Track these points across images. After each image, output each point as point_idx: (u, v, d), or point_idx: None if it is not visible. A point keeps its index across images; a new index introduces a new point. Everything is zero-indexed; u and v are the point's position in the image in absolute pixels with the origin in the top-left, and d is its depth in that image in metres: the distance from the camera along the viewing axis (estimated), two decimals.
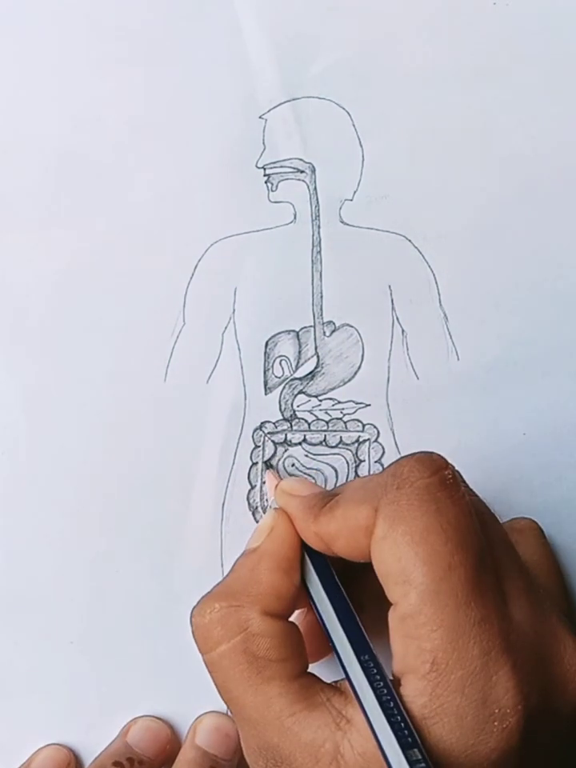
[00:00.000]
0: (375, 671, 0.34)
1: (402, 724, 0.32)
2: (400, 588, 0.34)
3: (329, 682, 0.36)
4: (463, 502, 0.35)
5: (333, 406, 0.44)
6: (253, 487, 0.44)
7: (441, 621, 0.33)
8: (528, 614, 0.35)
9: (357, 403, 0.44)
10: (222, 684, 0.36)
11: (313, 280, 0.44)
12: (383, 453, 0.44)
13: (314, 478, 0.44)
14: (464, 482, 0.36)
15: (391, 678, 0.34)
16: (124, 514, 0.44)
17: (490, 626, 0.33)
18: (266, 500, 0.44)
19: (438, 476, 0.35)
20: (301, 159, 0.43)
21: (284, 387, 0.44)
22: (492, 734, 0.33)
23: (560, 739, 0.35)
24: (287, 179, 0.43)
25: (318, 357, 0.44)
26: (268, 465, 0.44)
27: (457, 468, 0.36)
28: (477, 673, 0.33)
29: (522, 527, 0.43)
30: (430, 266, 0.44)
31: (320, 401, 0.44)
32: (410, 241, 0.44)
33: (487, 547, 0.35)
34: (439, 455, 0.36)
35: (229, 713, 0.37)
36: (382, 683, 0.34)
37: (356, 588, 0.38)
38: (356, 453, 0.44)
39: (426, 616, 0.33)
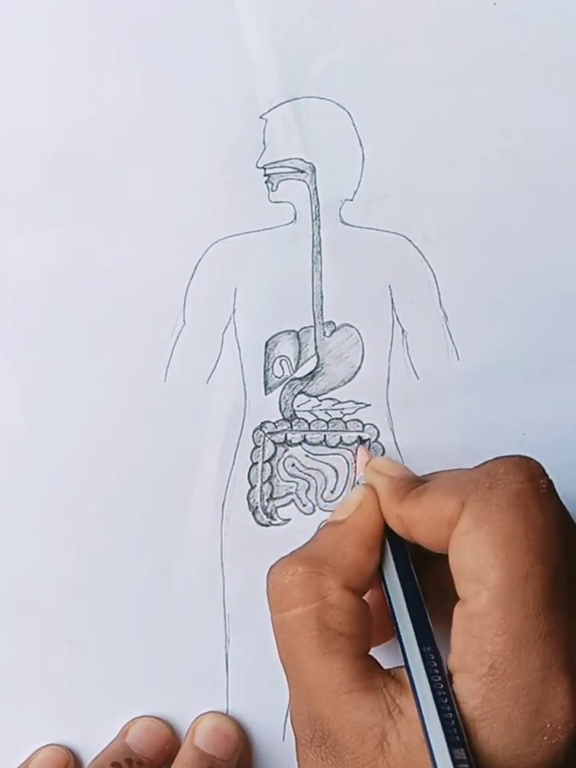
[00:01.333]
0: (435, 664, 0.34)
1: (453, 722, 0.33)
2: (472, 586, 0.34)
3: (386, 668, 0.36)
4: (552, 515, 0.34)
5: (333, 405, 0.44)
6: (253, 487, 0.44)
7: (507, 627, 0.33)
8: None
9: (357, 403, 0.44)
10: (287, 646, 0.36)
11: (313, 280, 0.44)
12: (383, 453, 0.44)
13: (313, 478, 0.44)
14: (557, 495, 0.35)
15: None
16: (124, 514, 0.44)
17: (554, 641, 0.33)
18: (266, 500, 0.44)
19: (532, 483, 0.35)
20: (301, 159, 0.43)
21: (284, 387, 0.44)
22: (539, 748, 0.32)
23: None
24: (287, 179, 0.43)
25: (318, 357, 0.44)
26: (361, 440, 0.44)
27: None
28: (534, 684, 0.33)
29: None
30: (430, 266, 0.44)
31: (320, 401, 0.44)
32: (410, 241, 0.44)
33: (566, 564, 0.34)
34: (537, 463, 0.35)
35: (285, 677, 0.37)
36: (439, 678, 0.34)
37: (422, 576, 0.38)
38: (356, 453, 0.44)
39: (494, 619, 0.33)
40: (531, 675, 0.33)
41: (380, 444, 0.44)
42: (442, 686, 0.33)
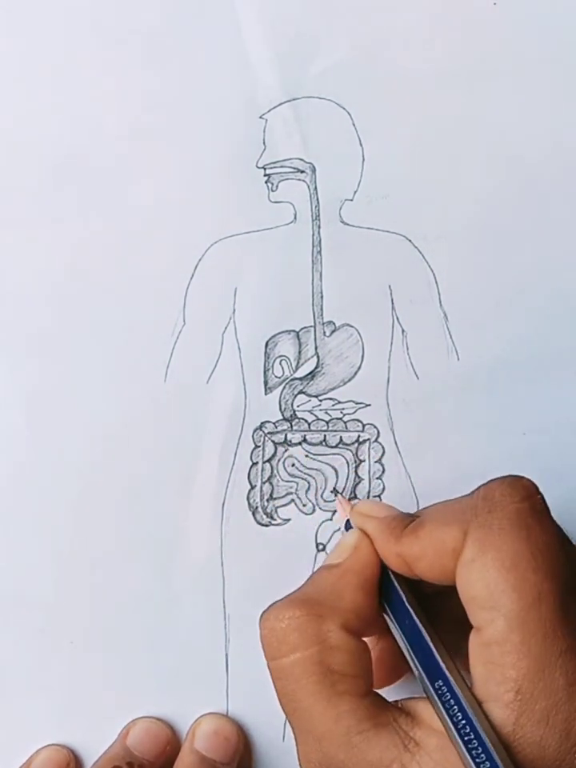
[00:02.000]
0: (449, 697, 0.34)
1: (480, 749, 0.32)
2: (486, 613, 0.33)
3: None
4: (553, 530, 0.34)
5: (333, 405, 0.44)
6: (253, 487, 0.44)
7: (528, 650, 0.32)
8: None
9: (357, 403, 0.44)
10: (289, 693, 0.35)
11: (313, 280, 0.44)
12: (383, 453, 0.44)
13: (313, 478, 0.44)
14: (549, 510, 0.35)
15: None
16: (124, 514, 0.44)
17: (574, 657, 0.33)
18: (266, 500, 0.44)
19: (529, 501, 0.34)
20: (301, 159, 0.43)
21: (284, 387, 0.44)
22: (573, 765, 0.32)
23: None
24: (287, 179, 0.43)
25: (318, 357, 0.44)
26: (335, 491, 0.44)
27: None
28: (562, 703, 0.32)
29: None
30: (430, 266, 0.44)
31: (320, 401, 0.44)
32: (410, 241, 0.44)
33: (572, 578, 0.34)
34: (530, 480, 0.35)
35: (289, 725, 0.36)
36: (456, 708, 0.33)
37: (431, 608, 0.38)
38: (356, 453, 0.44)
39: (513, 644, 0.33)
40: (558, 694, 0.32)
41: (380, 444, 0.44)
42: (459, 715, 0.33)
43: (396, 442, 0.44)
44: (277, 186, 0.43)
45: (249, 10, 0.43)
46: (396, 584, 0.37)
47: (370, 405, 0.44)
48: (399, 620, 0.37)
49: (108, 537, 0.44)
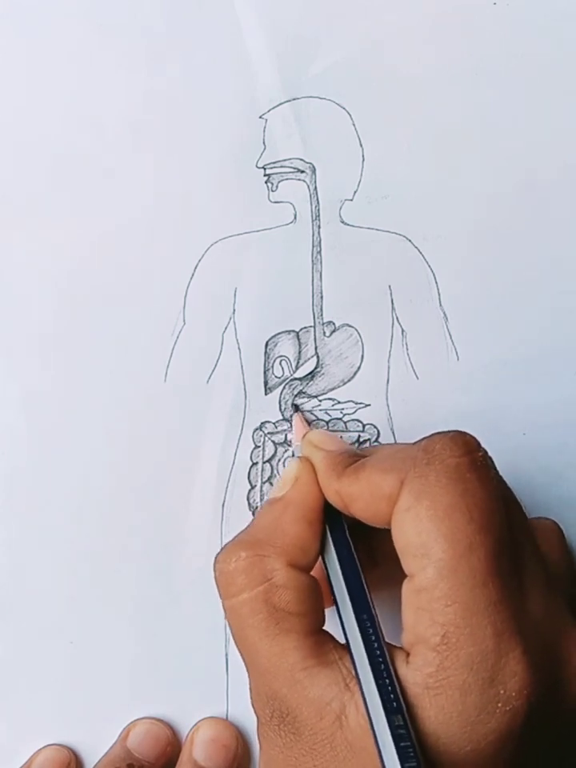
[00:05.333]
0: (372, 631, 0.35)
1: (390, 688, 0.33)
2: (418, 561, 0.34)
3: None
4: (491, 486, 0.35)
5: (333, 406, 0.44)
6: (253, 487, 0.44)
7: (456, 597, 0.33)
8: (542, 607, 0.35)
9: (357, 403, 0.44)
10: (238, 631, 0.36)
11: (313, 280, 0.44)
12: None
13: None
14: (494, 467, 0.36)
15: (399, 645, 0.35)
16: (124, 514, 0.44)
17: (504, 609, 0.33)
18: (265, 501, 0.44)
19: (469, 457, 0.35)
20: (301, 159, 0.43)
21: (284, 387, 0.44)
22: (494, 715, 0.33)
23: (559, 738, 0.35)
24: (287, 179, 0.43)
25: (317, 357, 0.44)
26: (295, 407, 0.44)
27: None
28: (487, 652, 0.33)
29: (544, 526, 0.42)
30: (429, 266, 0.44)
31: (320, 401, 0.44)
32: (409, 241, 0.44)
33: (510, 535, 0.35)
34: (473, 436, 0.36)
35: (244, 666, 0.37)
36: (376, 644, 0.34)
37: (372, 545, 0.39)
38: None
39: (442, 591, 0.33)
40: (484, 643, 0.33)
41: (380, 444, 0.44)
42: (378, 652, 0.34)
43: (396, 442, 0.44)
44: (277, 186, 0.43)
45: (249, 9, 0.43)
46: (339, 515, 0.38)
47: (369, 405, 0.44)
48: (327, 553, 0.37)
49: (108, 537, 0.44)
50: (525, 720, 0.33)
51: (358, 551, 0.37)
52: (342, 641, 0.36)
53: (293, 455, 0.43)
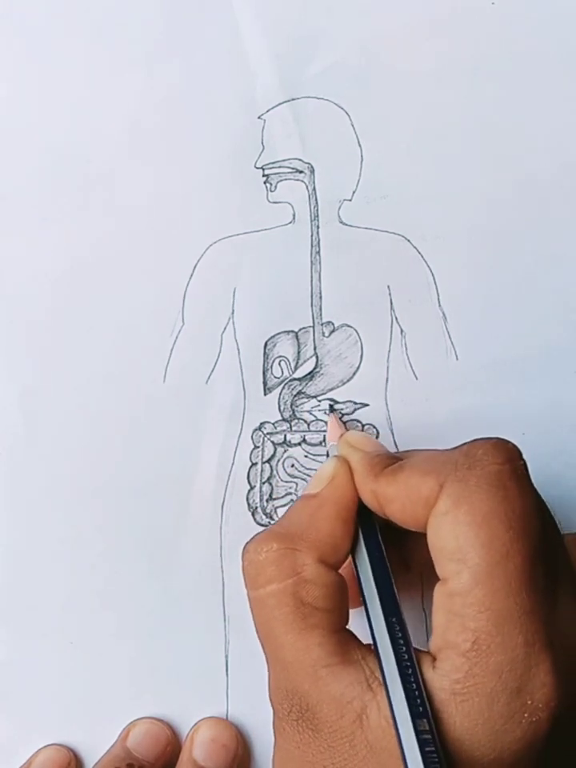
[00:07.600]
0: (400, 634, 0.34)
1: (417, 692, 0.33)
2: (453, 565, 0.34)
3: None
4: (530, 496, 0.35)
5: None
6: (252, 487, 0.44)
7: (490, 603, 0.33)
8: (571, 619, 0.34)
9: (356, 403, 0.44)
10: (263, 623, 0.36)
11: (312, 280, 0.44)
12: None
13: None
14: (530, 477, 0.36)
15: (426, 649, 0.35)
16: (124, 515, 0.44)
17: (537, 619, 0.33)
18: (265, 500, 0.44)
19: (511, 465, 0.35)
20: (300, 159, 0.43)
21: (283, 388, 0.44)
22: (520, 725, 0.32)
23: None
24: (286, 179, 0.43)
25: (317, 357, 0.44)
26: (331, 408, 0.44)
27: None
28: (517, 661, 0.33)
29: (571, 540, 0.42)
30: (429, 266, 0.44)
31: (319, 401, 0.44)
32: (409, 241, 0.44)
33: (543, 545, 0.34)
34: (514, 445, 0.36)
35: (264, 656, 0.37)
36: (404, 647, 0.34)
37: (402, 549, 0.38)
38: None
39: (476, 597, 0.33)
40: (514, 652, 0.33)
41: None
42: (406, 656, 0.34)
43: (395, 442, 0.44)
44: (275, 187, 0.43)
45: (248, 10, 0.43)
46: (372, 516, 0.38)
47: (368, 405, 0.44)
48: (359, 554, 0.37)
49: (108, 537, 0.44)
50: (549, 731, 0.33)
51: (389, 554, 0.37)
52: (367, 641, 0.36)
53: (327, 455, 0.43)
